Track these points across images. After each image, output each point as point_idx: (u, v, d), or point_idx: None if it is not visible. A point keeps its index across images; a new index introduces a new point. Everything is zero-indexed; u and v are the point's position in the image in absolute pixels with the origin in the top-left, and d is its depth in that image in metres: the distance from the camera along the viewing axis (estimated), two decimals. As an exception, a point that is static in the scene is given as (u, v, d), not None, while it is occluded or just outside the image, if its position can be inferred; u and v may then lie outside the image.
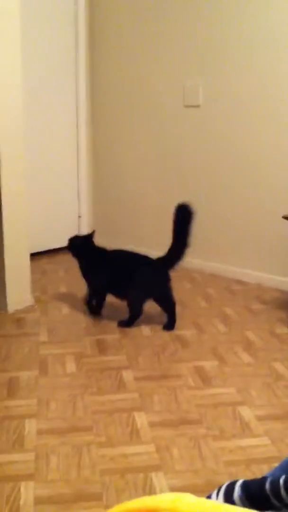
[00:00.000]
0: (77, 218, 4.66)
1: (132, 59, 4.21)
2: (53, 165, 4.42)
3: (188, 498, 0.63)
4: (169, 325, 2.98)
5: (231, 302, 3.40)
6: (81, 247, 3.12)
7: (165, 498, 0.64)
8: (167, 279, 2.96)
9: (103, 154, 4.59)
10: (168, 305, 3.02)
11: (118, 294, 3.07)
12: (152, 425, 2.03)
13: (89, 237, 3.15)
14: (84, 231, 4.71)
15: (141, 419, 2.07)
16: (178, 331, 2.94)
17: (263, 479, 0.86)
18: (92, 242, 3.14)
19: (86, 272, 3.13)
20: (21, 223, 3.18)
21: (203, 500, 0.62)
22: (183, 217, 2.86)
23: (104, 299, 3.17)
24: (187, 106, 3.92)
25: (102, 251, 3.13)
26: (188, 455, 1.86)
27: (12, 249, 3.15)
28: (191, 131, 3.95)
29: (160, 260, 2.94)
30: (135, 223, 4.45)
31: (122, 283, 3.00)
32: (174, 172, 4.11)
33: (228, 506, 0.61)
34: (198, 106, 3.86)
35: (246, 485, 0.83)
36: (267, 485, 0.84)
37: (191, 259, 4.02)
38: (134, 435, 1.97)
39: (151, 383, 2.36)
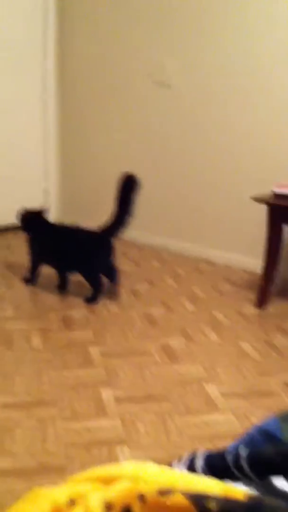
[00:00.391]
0: (43, 194, 4.60)
1: (102, 33, 4.14)
2: (19, 140, 4.33)
3: (150, 467, 0.61)
4: (115, 293, 3.05)
5: (199, 282, 3.41)
6: (31, 221, 3.10)
7: (127, 466, 0.62)
8: (110, 248, 2.96)
9: (71, 129, 4.52)
10: (112, 273, 3.05)
11: (67, 269, 3.09)
12: (118, 400, 2.03)
13: (39, 213, 3.12)
14: (51, 206, 4.66)
15: (107, 394, 2.06)
16: (146, 309, 2.93)
17: (225, 450, 0.85)
18: (42, 217, 3.12)
19: (32, 246, 3.13)
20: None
21: (165, 468, 0.61)
22: (127, 186, 2.87)
23: (40, 265, 3.19)
24: (156, 84, 3.88)
25: (49, 226, 3.11)
26: (154, 429, 1.85)
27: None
28: (159, 110, 3.91)
29: (103, 229, 2.93)
30: (101, 200, 4.40)
31: (70, 258, 3.01)
32: (143, 149, 4.07)
33: (190, 474, 0.60)
34: (167, 84, 3.82)
35: (208, 456, 0.83)
36: (229, 456, 0.84)
37: (160, 238, 4.02)
38: (99, 409, 1.96)
39: (118, 359, 2.35)
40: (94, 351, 2.42)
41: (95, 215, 4.39)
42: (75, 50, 4.35)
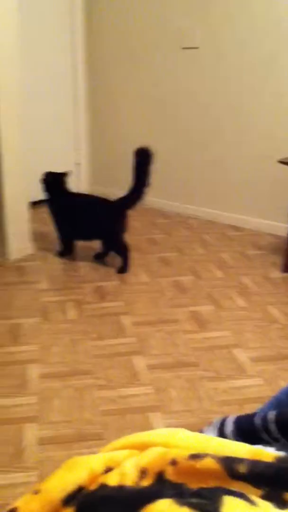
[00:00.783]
0: (75, 166, 4.66)
1: (128, 3, 4.11)
2: (50, 113, 4.38)
3: (181, 433, 0.68)
4: (123, 267, 3.10)
5: (227, 248, 3.45)
6: (52, 184, 3.18)
7: (159, 433, 0.69)
8: (123, 219, 3.06)
9: (100, 101, 4.54)
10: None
11: (85, 237, 3.21)
12: (150, 368, 2.12)
13: (61, 176, 3.19)
14: (83, 179, 4.73)
15: (139, 363, 2.15)
16: (175, 277, 3.00)
17: (254, 414, 0.92)
18: (63, 181, 3.19)
19: (53, 211, 3.24)
20: (19, 172, 3.18)
21: (196, 434, 0.68)
22: (141, 159, 2.95)
23: (71, 237, 3.29)
24: (184, 48, 3.86)
25: (67, 192, 3.21)
26: (185, 396, 1.94)
27: (12, 198, 3.17)
28: (188, 74, 3.90)
29: (119, 200, 3.03)
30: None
31: (86, 226, 3.12)
32: (172, 117, 4.08)
33: (220, 439, 0.66)
34: (196, 48, 3.80)
35: (237, 420, 0.90)
36: (257, 420, 0.90)
37: (187, 206, 4.06)
38: (133, 377, 2.05)
39: (149, 328, 2.44)
40: (126, 320, 2.51)
41: (125, 186, 4.44)
42: (103, 19, 4.33)
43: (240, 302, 2.69)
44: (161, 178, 4.20)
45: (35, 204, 3.94)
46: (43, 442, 1.70)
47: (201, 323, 2.48)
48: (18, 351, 2.25)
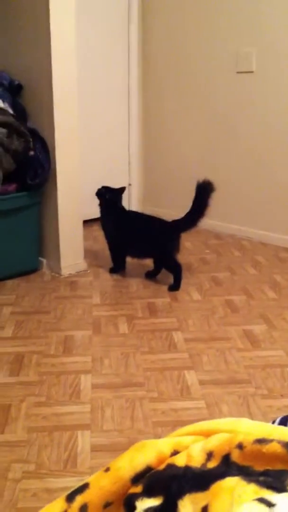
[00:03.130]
0: (127, 186, 4.73)
1: (183, 26, 4.19)
2: (104, 134, 4.48)
3: (246, 421, 0.69)
4: (175, 287, 3.11)
5: (280, 269, 3.42)
6: (108, 199, 3.25)
7: (224, 421, 0.70)
8: (177, 241, 3.14)
9: (153, 123, 4.62)
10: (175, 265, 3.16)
11: (138, 255, 3.28)
12: (202, 383, 2.11)
13: (117, 191, 3.27)
14: (134, 199, 4.78)
15: (191, 377, 2.15)
16: (227, 296, 2.99)
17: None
18: (119, 197, 3.28)
19: (107, 227, 3.32)
20: (74, 191, 3.26)
21: (261, 422, 0.68)
22: (204, 191, 3.06)
23: (123, 254, 3.36)
24: (239, 72, 3.90)
25: (122, 209, 3.31)
26: (237, 411, 1.92)
27: (66, 216, 3.25)
28: (243, 98, 3.93)
29: (175, 221, 3.13)
30: (184, 192, 4.47)
31: (140, 244, 3.20)
32: (226, 140, 4.11)
33: (285, 427, 0.67)
34: (251, 72, 3.83)
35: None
36: None
37: (240, 227, 4.06)
38: (184, 391, 2.05)
39: (201, 344, 2.43)
40: (178, 336, 2.51)
41: (175, 207, 4.48)
42: (158, 39, 4.43)
43: (294, 322, 2.66)
44: (213, 200, 4.21)
45: (87, 222, 4.01)
46: (95, 449, 1.71)
47: (253, 341, 2.46)
48: (71, 361, 2.29)
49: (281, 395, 2.03)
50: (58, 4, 2.92)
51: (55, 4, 2.91)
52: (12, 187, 3.10)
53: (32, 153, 3.08)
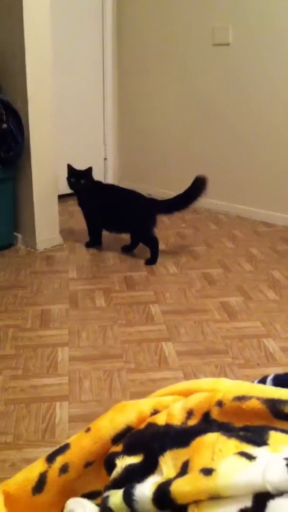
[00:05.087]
0: (103, 161, 4.69)
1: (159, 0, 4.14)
2: (79, 108, 4.42)
3: (226, 380, 0.69)
4: (151, 261, 3.12)
5: (257, 243, 3.44)
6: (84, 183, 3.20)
7: (204, 380, 0.70)
8: (156, 216, 3.13)
9: (129, 96, 4.57)
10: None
11: (114, 229, 3.25)
12: (179, 354, 2.12)
13: (87, 172, 3.20)
14: (110, 173, 4.75)
15: (168, 349, 2.16)
16: (204, 269, 3.00)
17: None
18: (90, 175, 3.22)
19: (81, 200, 3.30)
20: (49, 165, 3.23)
21: (240, 381, 0.69)
22: (198, 187, 3.07)
23: (100, 228, 3.34)
24: (216, 45, 3.86)
25: (98, 183, 3.29)
26: (214, 381, 1.94)
27: (41, 190, 3.21)
28: (219, 71, 3.90)
29: (157, 202, 3.14)
30: (160, 166, 4.47)
31: (117, 218, 3.18)
32: (201, 113, 4.08)
33: (263, 385, 0.67)
34: (227, 44, 3.80)
35: (276, 377, 0.90)
36: None
37: (216, 201, 4.06)
38: (162, 362, 2.06)
39: (178, 316, 2.44)
40: (155, 309, 2.52)
41: (151, 181, 4.46)
42: (134, 13, 4.36)
43: (271, 294, 2.68)
44: (189, 173, 4.20)
45: (62, 197, 3.97)
46: (74, 419, 1.72)
47: (230, 313, 2.47)
48: (48, 335, 2.28)
49: (258, 364, 2.05)
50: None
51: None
52: (-14, 160, 3.05)
53: (5, 126, 3.02)
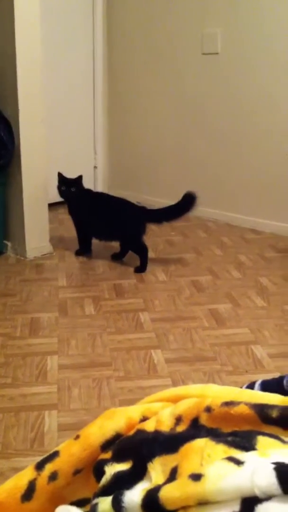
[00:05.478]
0: (93, 169, 4.70)
1: (148, 7, 4.16)
2: (69, 116, 4.43)
3: (215, 386, 0.70)
4: (141, 268, 3.12)
5: (245, 250, 3.46)
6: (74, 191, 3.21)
7: (192, 386, 0.71)
8: (145, 224, 3.14)
9: (119, 105, 4.59)
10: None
11: (104, 237, 3.27)
12: (168, 361, 2.12)
13: (77, 181, 3.22)
14: (99, 182, 4.75)
15: (158, 356, 2.16)
16: (193, 277, 3.01)
17: (281, 377, 0.93)
18: (81, 183, 3.23)
19: (71, 208, 3.31)
20: (39, 173, 3.23)
21: (229, 386, 0.69)
22: (187, 202, 3.09)
23: (90, 236, 3.35)
24: (205, 54, 3.89)
25: (88, 191, 3.30)
26: (204, 388, 1.94)
27: (31, 198, 3.21)
28: (209, 79, 3.93)
29: (147, 210, 3.15)
30: (150, 174, 4.48)
31: (107, 226, 3.18)
32: (192, 120, 4.11)
33: (252, 391, 0.68)
34: (216, 53, 3.83)
35: (264, 382, 0.91)
36: (285, 381, 0.92)
37: (206, 209, 4.07)
38: (151, 370, 2.06)
39: (167, 324, 2.45)
40: (145, 317, 2.52)
41: (141, 189, 4.48)
42: (125, 22, 4.38)
43: (259, 301, 2.69)
44: (179, 182, 4.22)
45: (52, 205, 3.97)
46: (62, 428, 1.71)
47: (219, 320, 2.48)
48: (37, 343, 2.27)
49: (246, 371, 2.05)
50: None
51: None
52: (-25, 168, 3.05)
53: (-6, 133, 3.02)
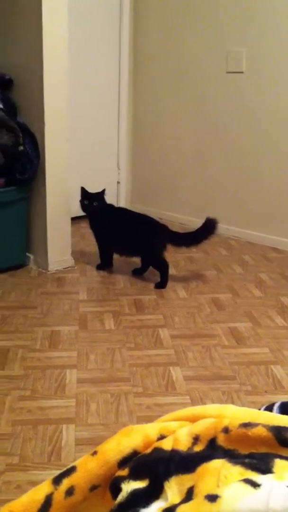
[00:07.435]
0: (116, 184, 4.73)
1: (174, 26, 4.20)
2: (94, 131, 4.47)
3: (232, 406, 0.70)
4: (162, 285, 3.12)
5: (267, 268, 3.44)
6: (97, 206, 3.24)
7: (210, 406, 0.71)
8: (166, 239, 3.16)
9: (143, 122, 4.62)
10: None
11: (125, 252, 3.28)
12: (187, 379, 2.12)
13: (101, 195, 3.25)
14: (122, 197, 4.79)
15: (176, 373, 2.16)
16: (213, 294, 3.00)
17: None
18: (103, 198, 3.27)
19: (93, 223, 3.34)
20: (62, 187, 3.26)
21: (246, 408, 0.69)
22: (209, 228, 3.13)
23: (111, 251, 3.37)
24: (229, 72, 3.91)
25: (110, 206, 3.33)
26: (222, 407, 1.93)
27: (54, 212, 3.25)
28: (233, 98, 3.94)
29: (169, 231, 3.17)
30: (172, 190, 4.50)
31: (128, 241, 3.20)
32: (214, 140, 4.12)
33: (270, 413, 0.68)
34: (241, 72, 3.84)
35: (283, 404, 0.91)
36: None
37: (228, 227, 4.07)
38: (169, 387, 2.06)
39: (186, 341, 2.44)
40: (164, 333, 2.52)
41: (163, 205, 4.49)
42: (150, 38, 4.43)
43: (279, 321, 2.68)
44: (202, 199, 4.23)
45: (75, 219, 4.00)
46: (80, 442, 1.72)
47: (239, 339, 2.48)
48: (57, 356, 2.29)
49: (265, 391, 2.04)
50: (51, 1, 2.92)
51: (48, 1, 2.91)
52: (1, 181, 3.09)
53: (21, 148, 3.07)
